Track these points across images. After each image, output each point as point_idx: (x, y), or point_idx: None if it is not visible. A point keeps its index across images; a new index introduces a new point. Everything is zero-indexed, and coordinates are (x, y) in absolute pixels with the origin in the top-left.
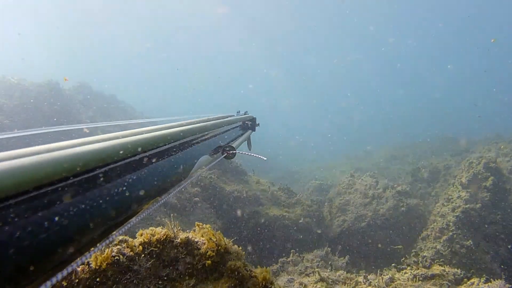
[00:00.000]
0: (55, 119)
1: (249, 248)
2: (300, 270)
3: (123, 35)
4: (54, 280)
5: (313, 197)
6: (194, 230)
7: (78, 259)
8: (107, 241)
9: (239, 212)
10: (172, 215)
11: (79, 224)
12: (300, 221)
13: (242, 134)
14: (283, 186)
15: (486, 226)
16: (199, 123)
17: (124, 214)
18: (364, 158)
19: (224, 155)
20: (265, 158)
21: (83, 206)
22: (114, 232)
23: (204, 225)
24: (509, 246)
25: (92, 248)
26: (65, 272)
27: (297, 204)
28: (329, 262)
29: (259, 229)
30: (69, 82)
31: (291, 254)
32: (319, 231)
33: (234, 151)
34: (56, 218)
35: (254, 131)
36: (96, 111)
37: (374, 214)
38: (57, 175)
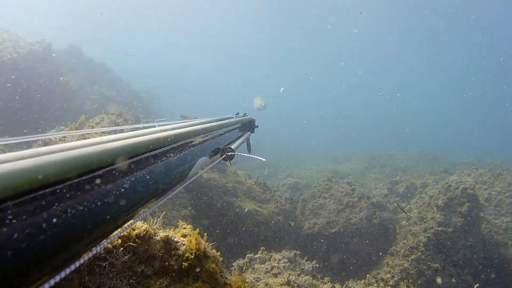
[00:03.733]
0: (42, 81)
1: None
2: (267, 269)
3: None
4: (52, 282)
5: (287, 194)
6: (176, 227)
7: (76, 261)
8: (105, 244)
9: (214, 202)
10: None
11: (77, 227)
12: (272, 221)
13: (240, 136)
14: (259, 180)
15: (456, 251)
16: (199, 125)
17: (122, 216)
18: (342, 161)
19: (222, 157)
20: (264, 159)
21: (81, 208)
22: (113, 234)
23: (186, 225)
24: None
25: (90, 251)
26: (63, 274)
27: (271, 200)
28: (296, 265)
29: (232, 220)
30: (59, 45)
31: (260, 251)
32: (289, 230)
33: (233, 153)
34: (54, 220)
35: (253, 132)
36: (83, 78)
37: (346, 222)
38: (55, 177)
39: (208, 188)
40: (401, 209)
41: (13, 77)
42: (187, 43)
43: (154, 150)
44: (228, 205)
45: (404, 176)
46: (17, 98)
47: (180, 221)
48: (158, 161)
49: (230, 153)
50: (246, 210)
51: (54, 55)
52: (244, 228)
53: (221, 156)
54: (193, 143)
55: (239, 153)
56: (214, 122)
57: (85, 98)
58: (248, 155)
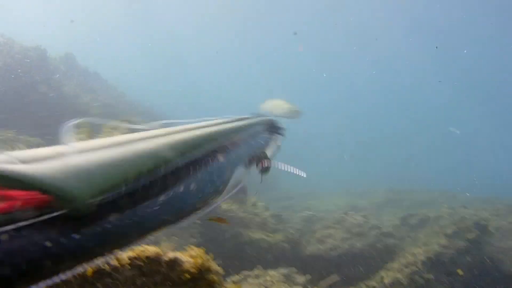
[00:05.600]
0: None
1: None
2: (260, 282)
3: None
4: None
5: (301, 225)
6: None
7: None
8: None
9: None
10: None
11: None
12: (276, 247)
13: (270, 140)
14: (275, 212)
15: (454, 265)
16: (220, 124)
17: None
18: (363, 195)
19: (260, 169)
20: (304, 175)
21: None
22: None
23: (196, 248)
24: None
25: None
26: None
27: (281, 230)
28: (290, 280)
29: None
30: (55, 52)
31: (257, 269)
32: (290, 254)
33: (270, 163)
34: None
35: (284, 136)
36: (78, 86)
37: (350, 247)
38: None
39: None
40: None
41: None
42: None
43: (189, 155)
44: (236, 235)
45: (420, 210)
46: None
47: (189, 245)
48: (196, 169)
49: (266, 164)
50: (253, 237)
51: (48, 61)
52: (247, 252)
53: (257, 167)
54: (225, 149)
55: (277, 164)
56: (235, 122)
57: (83, 105)
58: (286, 168)
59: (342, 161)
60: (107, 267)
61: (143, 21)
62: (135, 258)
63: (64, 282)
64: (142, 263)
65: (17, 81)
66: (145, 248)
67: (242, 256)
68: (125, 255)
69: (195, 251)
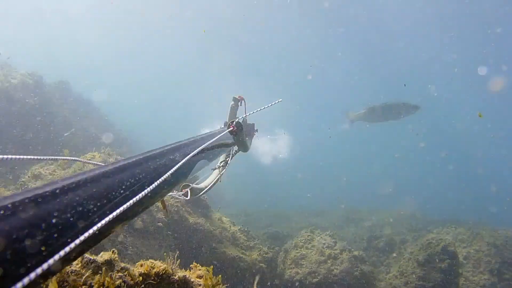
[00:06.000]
0: (38, 118)
1: None
2: None
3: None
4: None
5: (268, 242)
6: (190, 269)
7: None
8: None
9: (198, 246)
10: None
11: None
12: (255, 269)
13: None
14: (243, 228)
15: None
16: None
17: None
18: (320, 214)
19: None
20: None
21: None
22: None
23: (200, 266)
24: None
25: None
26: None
27: (254, 248)
28: None
29: (216, 263)
30: (49, 79)
31: None
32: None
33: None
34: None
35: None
36: (72, 113)
37: (327, 273)
38: None
39: (194, 232)
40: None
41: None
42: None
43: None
44: (213, 251)
45: (383, 232)
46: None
47: (194, 262)
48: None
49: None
50: (229, 255)
51: (44, 88)
52: (228, 273)
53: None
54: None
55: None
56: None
57: (73, 133)
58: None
59: (296, 180)
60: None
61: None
62: (146, 275)
63: None
64: (154, 282)
65: (14, 106)
66: (154, 264)
67: (225, 276)
68: (136, 271)
69: (202, 270)
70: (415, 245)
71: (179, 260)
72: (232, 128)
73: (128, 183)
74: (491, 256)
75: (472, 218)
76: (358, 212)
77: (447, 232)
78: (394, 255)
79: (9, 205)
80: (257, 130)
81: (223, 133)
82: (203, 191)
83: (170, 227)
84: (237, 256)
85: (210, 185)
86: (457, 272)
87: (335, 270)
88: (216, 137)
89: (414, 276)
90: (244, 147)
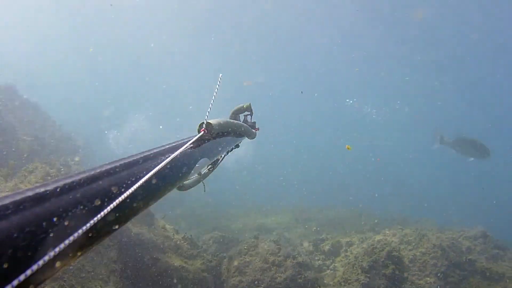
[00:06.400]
0: None
1: None
2: None
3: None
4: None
5: (214, 247)
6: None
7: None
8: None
9: (141, 257)
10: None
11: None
12: (198, 278)
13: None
14: (187, 236)
15: None
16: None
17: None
18: (269, 214)
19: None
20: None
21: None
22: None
23: None
24: None
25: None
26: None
27: (198, 256)
28: None
29: (157, 276)
30: None
31: None
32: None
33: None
34: None
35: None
36: (17, 118)
37: (271, 281)
38: None
39: (136, 242)
40: None
41: None
42: None
43: None
44: (155, 261)
45: (330, 233)
46: None
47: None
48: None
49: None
50: (172, 264)
51: None
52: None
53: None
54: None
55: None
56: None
57: (18, 140)
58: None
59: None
60: None
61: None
62: None
63: None
64: None
65: None
66: None
67: None
68: None
69: None
70: (362, 248)
71: None
72: (203, 131)
73: (128, 182)
74: (437, 258)
75: (416, 215)
76: (307, 211)
77: (394, 234)
78: (340, 258)
79: None
80: (258, 129)
81: (195, 138)
82: (191, 186)
83: (113, 239)
84: (180, 266)
85: (199, 180)
86: (402, 278)
87: (278, 277)
88: (189, 142)
89: (358, 283)
90: (250, 135)
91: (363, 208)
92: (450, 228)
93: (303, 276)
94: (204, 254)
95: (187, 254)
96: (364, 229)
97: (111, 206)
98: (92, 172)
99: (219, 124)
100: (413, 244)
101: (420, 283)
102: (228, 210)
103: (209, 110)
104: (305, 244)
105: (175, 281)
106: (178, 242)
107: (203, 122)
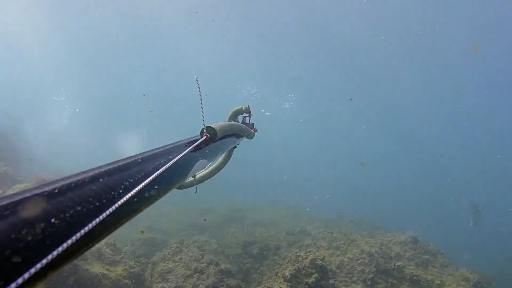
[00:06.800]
0: None
1: None
2: None
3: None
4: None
5: (142, 250)
6: None
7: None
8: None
9: None
10: None
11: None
12: (120, 283)
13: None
14: (109, 241)
15: None
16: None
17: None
18: (203, 214)
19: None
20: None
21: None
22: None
23: None
24: None
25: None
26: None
27: (120, 262)
28: None
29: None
30: None
31: None
32: None
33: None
34: None
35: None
36: None
37: None
38: None
39: None
40: None
41: None
42: None
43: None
44: (75, 269)
45: (260, 236)
46: None
47: None
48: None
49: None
50: (92, 272)
51: None
52: None
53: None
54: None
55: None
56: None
57: None
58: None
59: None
60: None
61: None
62: None
63: None
64: None
65: None
66: None
67: None
68: None
69: None
70: (289, 251)
71: None
72: (205, 136)
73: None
74: (365, 265)
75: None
76: (241, 210)
77: (323, 238)
78: (268, 262)
79: None
80: (256, 130)
81: (197, 143)
82: (194, 183)
83: None
84: (100, 273)
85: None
86: (326, 286)
87: (200, 285)
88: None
89: None
90: (249, 135)
91: (304, 209)
92: (382, 232)
93: (225, 284)
94: (127, 260)
95: (109, 260)
96: (295, 231)
97: (111, 208)
98: (91, 173)
99: (221, 128)
100: (342, 249)
101: None
102: (165, 207)
103: (202, 115)
104: (235, 246)
105: None
106: (100, 248)
107: (205, 127)
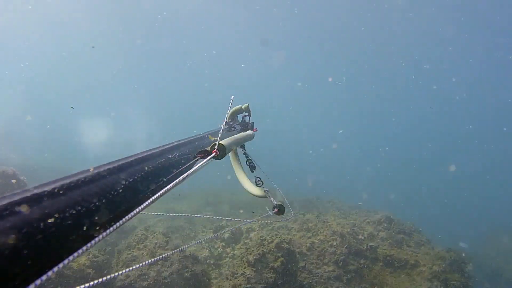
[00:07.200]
0: None
1: None
2: None
3: None
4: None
5: (111, 239)
6: None
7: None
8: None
9: None
10: None
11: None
12: (84, 273)
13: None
14: None
15: None
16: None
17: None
18: (178, 199)
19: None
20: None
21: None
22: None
23: None
24: None
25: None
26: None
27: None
28: None
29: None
30: None
31: None
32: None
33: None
34: None
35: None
36: None
37: (157, 275)
38: None
39: None
40: None
41: None
42: None
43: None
44: None
45: (233, 219)
46: None
47: None
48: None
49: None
50: None
51: None
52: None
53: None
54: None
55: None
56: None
57: None
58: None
59: None
60: None
61: None
62: None
63: None
64: None
65: None
66: None
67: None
68: None
69: None
70: (257, 234)
71: None
72: (215, 153)
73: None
74: (337, 246)
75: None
76: (219, 195)
77: (295, 220)
78: (239, 246)
79: None
80: (256, 129)
81: (207, 159)
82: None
83: None
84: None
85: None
86: (293, 270)
87: (164, 272)
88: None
89: (243, 277)
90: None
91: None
92: (356, 212)
93: (189, 270)
94: (91, 249)
95: None
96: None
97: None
98: (97, 171)
99: (229, 145)
100: (313, 231)
101: (317, 271)
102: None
103: (220, 132)
104: (206, 230)
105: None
106: None
107: (215, 143)
